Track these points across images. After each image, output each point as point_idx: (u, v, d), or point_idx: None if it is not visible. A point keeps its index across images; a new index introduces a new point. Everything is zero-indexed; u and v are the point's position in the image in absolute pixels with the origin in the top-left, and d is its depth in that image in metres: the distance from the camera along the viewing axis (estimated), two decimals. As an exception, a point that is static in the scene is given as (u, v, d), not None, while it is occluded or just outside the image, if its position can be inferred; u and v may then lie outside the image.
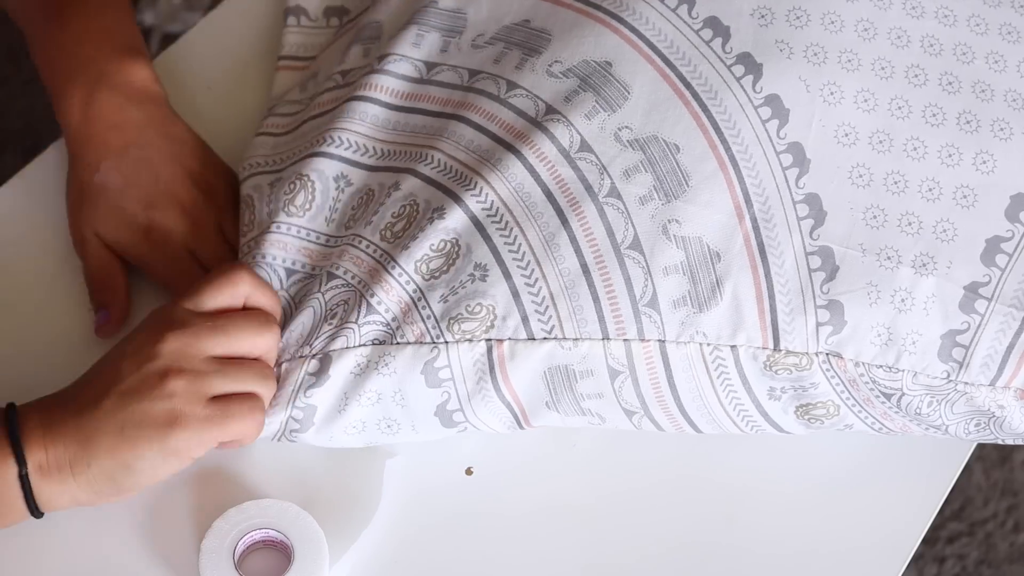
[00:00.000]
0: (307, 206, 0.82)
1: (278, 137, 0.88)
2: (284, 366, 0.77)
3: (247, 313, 0.76)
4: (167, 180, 0.86)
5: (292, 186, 0.82)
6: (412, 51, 0.86)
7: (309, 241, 0.81)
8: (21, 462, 0.71)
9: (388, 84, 0.85)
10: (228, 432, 0.73)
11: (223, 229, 0.87)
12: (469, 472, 0.82)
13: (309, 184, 0.82)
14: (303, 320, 0.78)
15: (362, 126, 0.84)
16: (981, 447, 1.53)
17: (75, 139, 0.86)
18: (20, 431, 0.71)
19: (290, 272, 0.81)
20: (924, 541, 1.46)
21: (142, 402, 0.71)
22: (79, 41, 0.86)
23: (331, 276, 0.79)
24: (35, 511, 0.72)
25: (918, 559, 1.47)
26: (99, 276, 0.85)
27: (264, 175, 0.85)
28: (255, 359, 0.75)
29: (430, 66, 0.85)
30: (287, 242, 0.81)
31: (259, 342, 0.75)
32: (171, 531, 0.78)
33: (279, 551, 0.77)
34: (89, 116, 0.85)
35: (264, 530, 0.76)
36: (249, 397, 0.74)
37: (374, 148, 0.83)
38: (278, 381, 0.77)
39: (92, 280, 0.86)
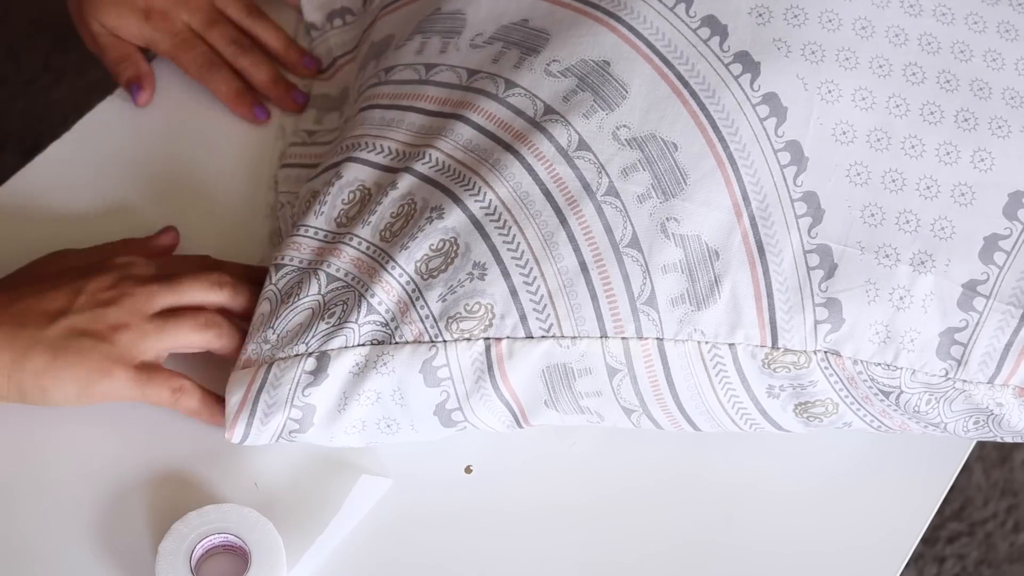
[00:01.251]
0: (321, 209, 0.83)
1: (305, 170, 0.89)
2: (278, 363, 0.77)
3: (199, 276, 0.81)
4: None
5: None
6: (415, 58, 0.86)
7: (304, 237, 0.81)
8: None
9: (388, 91, 0.85)
10: (147, 394, 0.78)
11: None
12: (468, 471, 0.82)
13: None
14: (298, 318, 0.78)
15: (371, 128, 0.84)
16: (981, 447, 1.53)
17: None
18: None
19: (278, 267, 0.81)
20: (924, 541, 1.46)
21: (84, 342, 0.76)
22: None
23: (331, 278, 0.79)
24: None
25: (918, 559, 1.47)
26: (117, 58, 0.94)
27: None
28: (217, 312, 0.81)
29: (429, 67, 0.85)
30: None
31: (210, 296, 0.80)
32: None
33: (237, 556, 0.76)
34: None
35: (223, 535, 0.76)
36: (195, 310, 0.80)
37: (387, 148, 0.83)
38: (273, 380, 0.77)
39: (113, 64, 0.94)
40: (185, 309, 0.79)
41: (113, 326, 0.77)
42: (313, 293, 0.78)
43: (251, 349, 0.78)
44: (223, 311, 0.81)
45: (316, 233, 0.81)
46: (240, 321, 0.81)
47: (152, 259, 0.82)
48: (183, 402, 0.79)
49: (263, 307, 0.79)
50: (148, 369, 0.78)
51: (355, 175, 0.82)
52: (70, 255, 0.83)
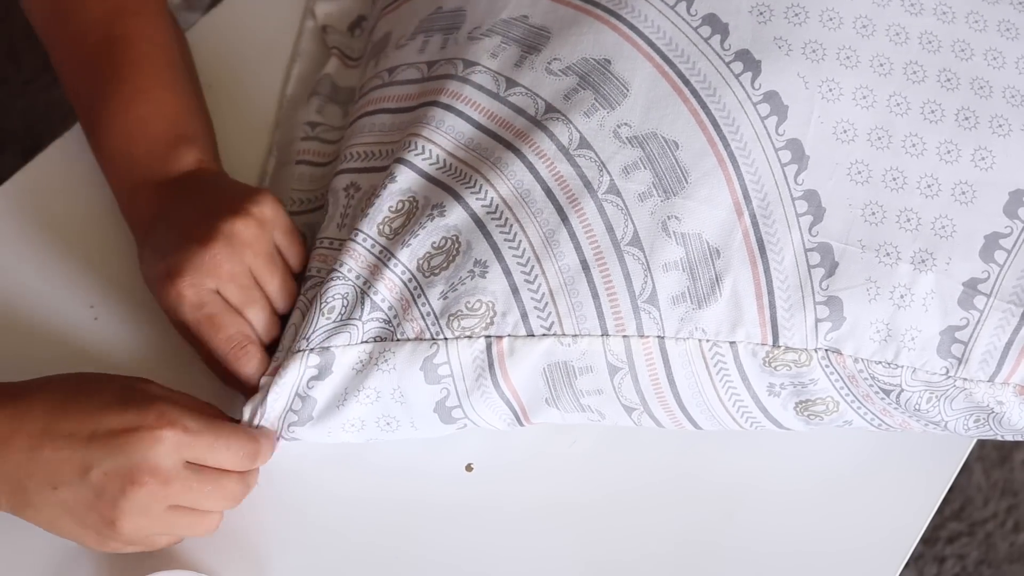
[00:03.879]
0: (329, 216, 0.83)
1: (319, 167, 0.89)
2: (281, 360, 0.77)
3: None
4: (185, 224, 0.80)
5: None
6: (418, 57, 0.86)
7: (324, 248, 0.82)
8: None
9: (394, 93, 0.86)
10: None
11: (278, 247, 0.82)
12: (469, 469, 0.82)
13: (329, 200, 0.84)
14: (308, 317, 0.78)
15: (371, 136, 0.84)
16: (981, 446, 1.53)
17: (136, 239, 0.84)
18: None
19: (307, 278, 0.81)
20: (924, 541, 1.47)
21: (89, 520, 0.72)
22: (117, 146, 0.84)
23: (334, 274, 0.79)
24: None
25: (918, 559, 1.47)
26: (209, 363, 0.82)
27: (311, 213, 0.87)
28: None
29: (431, 64, 0.85)
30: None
31: (236, 463, 0.75)
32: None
33: None
34: (136, 217, 0.84)
35: None
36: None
37: (382, 150, 0.83)
38: (278, 375, 0.77)
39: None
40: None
41: (113, 519, 0.72)
42: (318, 292, 0.79)
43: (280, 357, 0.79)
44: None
45: (325, 243, 0.82)
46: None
47: (193, 438, 0.73)
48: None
49: (295, 317, 0.80)
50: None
51: (371, 182, 0.82)
52: (111, 385, 0.76)
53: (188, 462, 0.73)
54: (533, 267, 0.76)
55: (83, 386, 0.75)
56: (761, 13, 0.80)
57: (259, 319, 0.79)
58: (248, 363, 0.78)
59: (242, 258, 0.78)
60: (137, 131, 0.84)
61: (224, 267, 0.77)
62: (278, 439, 0.78)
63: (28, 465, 0.71)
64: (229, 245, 0.77)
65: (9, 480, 0.71)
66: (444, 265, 0.77)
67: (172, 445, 0.71)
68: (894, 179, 0.77)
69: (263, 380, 0.78)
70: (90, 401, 0.73)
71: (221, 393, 0.81)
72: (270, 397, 0.77)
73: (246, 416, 0.77)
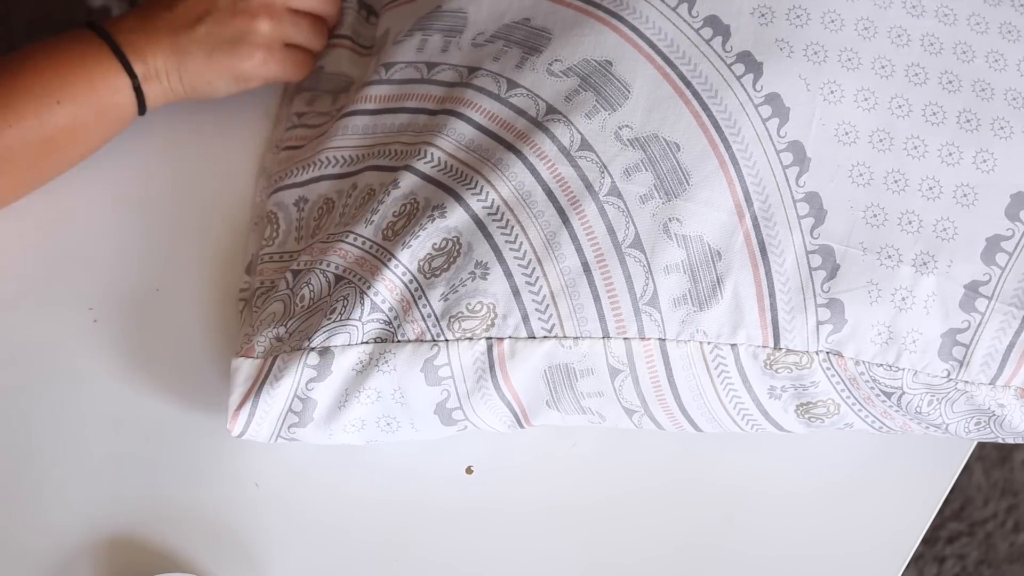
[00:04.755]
0: (275, 235, 0.85)
1: (296, 151, 0.89)
2: (282, 357, 0.77)
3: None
4: None
5: (264, 223, 0.87)
6: (416, 56, 0.86)
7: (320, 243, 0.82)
8: (132, 75, 0.85)
9: (380, 92, 0.85)
10: (286, 74, 0.89)
11: None
12: (469, 471, 0.82)
13: (274, 218, 0.86)
14: (311, 319, 0.78)
15: (344, 139, 0.84)
16: (981, 447, 1.53)
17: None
18: (123, 49, 0.85)
19: (295, 272, 0.81)
20: (924, 541, 1.46)
21: (233, 33, 0.86)
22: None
23: (337, 278, 0.79)
24: (143, 110, 0.87)
25: (918, 559, 1.47)
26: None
27: (287, 190, 0.87)
28: (317, 17, 0.91)
29: (431, 66, 0.85)
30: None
31: (328, 6, 0.91)
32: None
33: None
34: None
35: None
36: (307, 51, 0.91)
37: (346, 157, 0.84)
38: (276, 373, 0.77)
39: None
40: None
41: (254, 13, 0.86)
42: (323, 293, 0.79)
43: (257, 342, 0.78)
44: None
45: (328, 238, 0.81)
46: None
47: None
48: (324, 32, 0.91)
49: (275, 307, 0.79)
50: (287, 49, 0.89)
51: (367, 181, 0.82)
52: None
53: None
54: (534, 269, 0.76)
55: None
56: (763, 15, 0.80)
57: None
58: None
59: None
60: None
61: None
62: (275, 430, 0.78)
63: (172, 28, 0.85)
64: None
65: (169, 48, 0.85)
66: (445, 266, 0.77)
67: None
68: (896, 181, 0.77)
69: (233, 362, 0.78)
70: None
71: (221, 393, 0.81)
72: (265, 399, 0.76)
73: (256, 382, 0.77)
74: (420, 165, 0.80)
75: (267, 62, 0.87)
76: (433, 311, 0.76)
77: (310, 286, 0.79)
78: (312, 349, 0.77)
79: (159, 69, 0.86)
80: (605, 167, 0.77)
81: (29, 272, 0.88)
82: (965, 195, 0.77)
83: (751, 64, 0.79)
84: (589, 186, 0.77)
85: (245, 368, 0.78)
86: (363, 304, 0.77)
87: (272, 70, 0.88)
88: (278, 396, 0.77)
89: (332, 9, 0.92)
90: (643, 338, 0.75)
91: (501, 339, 0.76)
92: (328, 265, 0.79)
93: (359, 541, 0.79)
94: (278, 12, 0.88)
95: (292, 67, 0.89)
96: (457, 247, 0.77)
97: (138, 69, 0.85)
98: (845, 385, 0.76)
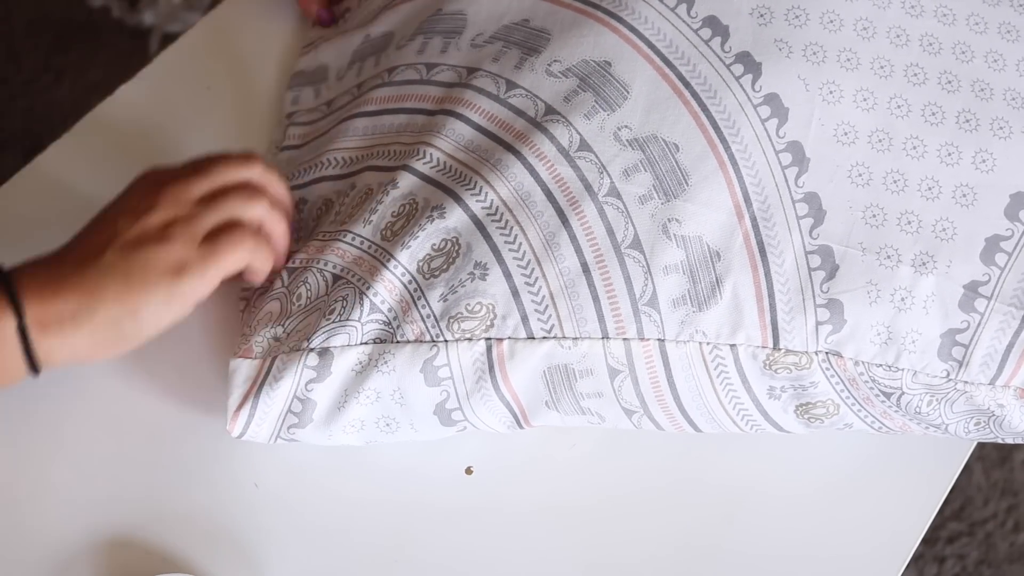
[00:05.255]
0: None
1: (298, 150, 0.89)
2: (281, 358, 0.77)
3: (226, 155, 0.79)
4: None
5: None
6: (417, 58, 0.86)
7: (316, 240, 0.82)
8: (20, 314, 0.72)
9: (380, 94, 0.86)
10: (224, 265, 0.76)
11: None
12: (469, 471, 0.82)
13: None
14: (308, 317, 0.78)
15: (344, 141, 0.84)
16: (981, 447, 1.53)
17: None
18: (16, 286, 0.72)
19: (289, 270, 0.81)
20: (924, 541, 1.47)
21: (146, 251, 0.74)
22: None
23: (335, 277, 0.79)
24: (34, 367, 0.73)
25: (918, 559, 1.47)
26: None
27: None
28: (238, 185, 0.78)
29: (430, 67, 0.85)
30: None
31: (243, 173, 0.78)
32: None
33: None
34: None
35: None
36: (232, 226, 0.77)
37: (345, 158, 0.84)
38: (275, 374, 0.77)
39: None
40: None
41: (162, 227, 0.75)
42: (320, 292, 0.78)
43: (255, 342, 0.78)
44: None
45: (323, 236, 0.81)
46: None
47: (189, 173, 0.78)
48: (262, 247, 0.78)
49: (272, 306, 0.79)
50: (211, 239, 0.76)
51: (366, 182, 0.82)
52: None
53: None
54: (533, 269, 0.76)
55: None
56: (762, 15, 0.80)
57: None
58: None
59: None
60: None
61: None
62: (274, 431, 0.78)
63: (79, 261, 0.74)
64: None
65: (77, 286, 0.73)
66: (444, 267, 0.77)
67: (167, 170, 0.78)
68: (895, 181, 0.77)
69: (232, 363, 0.78)
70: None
71: (221, 393, 0.81)
72: (265, 400, 0.76)
73: (255, 381, 0.77)
74: (419, 165, 0.80)
75: (200, 271, 0.75)
76: (432, 312, 0.76)
77: (307, 285, 0.79)
78: (311, 350, 0.77)
79: (63, 312, 0.72)
80: (604, 168, 0.77)
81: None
82: (964, 195, 0.77)
83: (750, 64, 0.79)
84: (588, 187, 0.77)
85: (244, 369, 0.78)
86: (362, 305, 0.77)
87: (209, 277, 0.75)
88: (277, 397, 0.77)
89: (251, 172, 0.79)
90: (642, 339, 0.75)
91: (500, 340, 0.76)
92: (326, 264, 0.79)
93: (358, 541, 0.79)
94: (188, 209, 0.76)
95: (227, 256, 0.76)
96: (456, 248, 0.77)
97: (32, 311, 0.72)
98: (844, 385, 0.76)
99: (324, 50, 0.95)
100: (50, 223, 0.89)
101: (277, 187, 0.80)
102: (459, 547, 0.79)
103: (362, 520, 0.80)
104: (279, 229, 0.80)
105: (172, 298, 0.74)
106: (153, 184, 0.77)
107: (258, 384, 0.77)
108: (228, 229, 0.76)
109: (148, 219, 0.75)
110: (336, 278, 0.79)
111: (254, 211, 0.78)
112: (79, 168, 0.91)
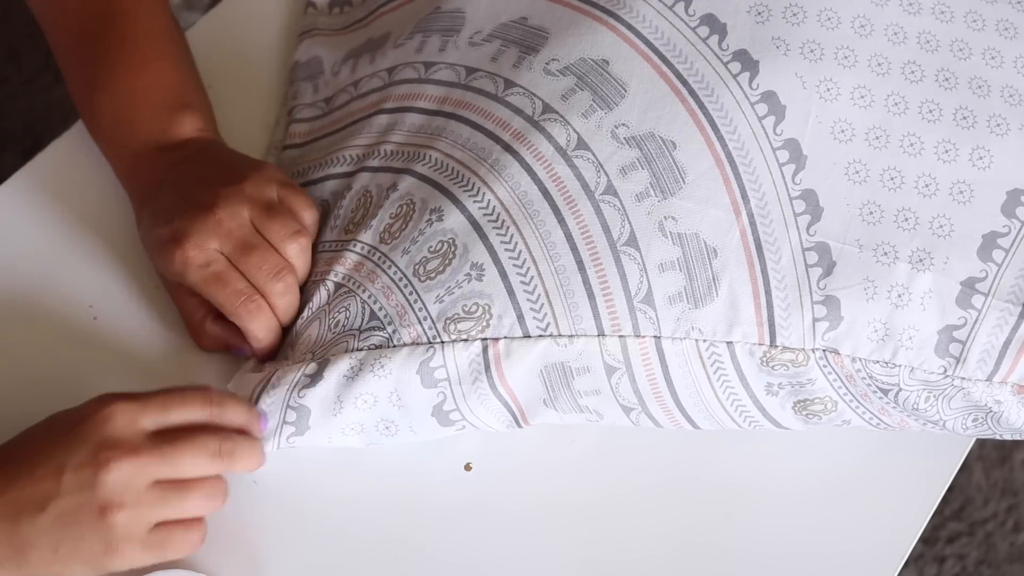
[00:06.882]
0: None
1: (301, 148, 0.89)
2: (281, 368, 0.78)
3: (195, 438, 0.72)
4: (190, 191, 0.81)
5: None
6: (415, 56, 0.86)
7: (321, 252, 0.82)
8: None
9: (396, 92, 0.86)
10: (165, 557, 0.72)
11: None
12: (468, 468, 0.82)
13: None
14: (310, 330, 0.78)
15: (368, 138, 0.85)
16: (981, 446, 1.53)
17: (134, 203, 0.86)
18: None
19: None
20: (924, 541, 1.46)
21: (81, 528, 0.69)
22: (120, 111, 0.85)
23: (338, 287, 0.79)
24: None
25: (918, 559, 1.47)
26: (191, 325, 0.83)
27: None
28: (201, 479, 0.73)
29: (428, 65, 0.85)
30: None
31: (207, 468, 0.73)
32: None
33: None
34: (136, 183, 0.85)
35: None
36: (189, 522, 0.73)
37: (386, 151, 0.83)
38: (273, 383, 0.77)
39: (191, 331, 0.83)
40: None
41: (103, 507, 0.69)
42: (323, 302, 0.79)
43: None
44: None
45: (328, 246, 0.82)
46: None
47: (143, 403, 0.72)
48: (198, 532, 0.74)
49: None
50: (158, 532, 0.72)
51: (362, 183, 0.82)
52: (58, 415, 0.74)
53: (152, 433, 0.71)
54: (529, 268, 0.76)
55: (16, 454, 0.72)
56: (759, 13, 0.80)
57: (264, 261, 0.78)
58: (256, 316, 0.78)
59: (242, 213, 0.78)
60: (141, 98, 0.85)
61: (225, 225, 0.78)
62: (273, 439, 0.78)
63: (13, 513, 0.70)
64: (231, 206, 0.78)
65: (4, 532, 0.70)
66: (440, 269, 0.77)
67: (124, 415, 0.71)
68: (892, 179, 0.77)
69: (267, 368, 0.78)
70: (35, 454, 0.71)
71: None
72: (261, 408, 0.77)
73: (253, 392, 0.77)
74: (417, 166, 0.80)
75: (132, 559, 0.71)
76: (429, 314, 0.76)
77: (312, 298, 0.79)
78: (313, 360, 0.77)
79: None
80: (601, 166, 0.77)
81: (29, 269, 0.88)
82: (961, 192, 0.77)
83: (747, 62, 0.79)
84: (585, 186, 0.77)
85: (246, 382, 0.78)
86: (363, 313, 0.77)
87: (142, 562, 0.71)
88: (274, 404, 0.77)
89: (213, 469, 0.73)
90: (638, 336, 0.76)
91: (496, 339, 0.76)
92: (329, 274, 0.79)
93: (358, 539, 0.79)
94: (138, 495, 0.70)
95: (171, 551, 0.72)
96: (452, 249, 0.77)
97: None
98: (842, 382, 0.76)
99: (320, 41, 0.95)
100: (50, 223, 0.89)
101: (232, 415, 0.75)
102: (458, 544, 0.79)
103: (361, 517, 0.80)
104: (240, 466, 0.75)
105: (100, 571, 0.71)
106: (107, 446, 0.70)
107: (257, 393, 0.77)
108: (184, 524, 0.72)
109: (91, 494, 0.69)
110: (338, 286, 0.79)
111: (214, 507, 0.74)
112: (79, 168, 0.91)
